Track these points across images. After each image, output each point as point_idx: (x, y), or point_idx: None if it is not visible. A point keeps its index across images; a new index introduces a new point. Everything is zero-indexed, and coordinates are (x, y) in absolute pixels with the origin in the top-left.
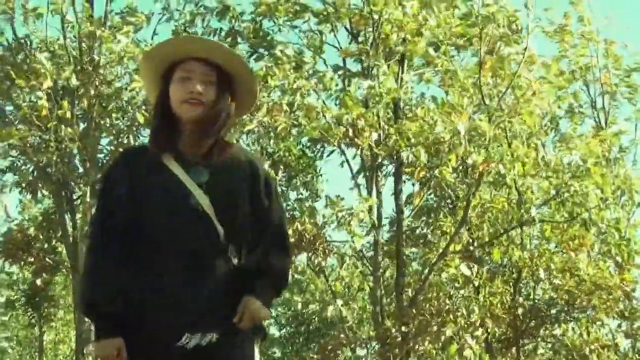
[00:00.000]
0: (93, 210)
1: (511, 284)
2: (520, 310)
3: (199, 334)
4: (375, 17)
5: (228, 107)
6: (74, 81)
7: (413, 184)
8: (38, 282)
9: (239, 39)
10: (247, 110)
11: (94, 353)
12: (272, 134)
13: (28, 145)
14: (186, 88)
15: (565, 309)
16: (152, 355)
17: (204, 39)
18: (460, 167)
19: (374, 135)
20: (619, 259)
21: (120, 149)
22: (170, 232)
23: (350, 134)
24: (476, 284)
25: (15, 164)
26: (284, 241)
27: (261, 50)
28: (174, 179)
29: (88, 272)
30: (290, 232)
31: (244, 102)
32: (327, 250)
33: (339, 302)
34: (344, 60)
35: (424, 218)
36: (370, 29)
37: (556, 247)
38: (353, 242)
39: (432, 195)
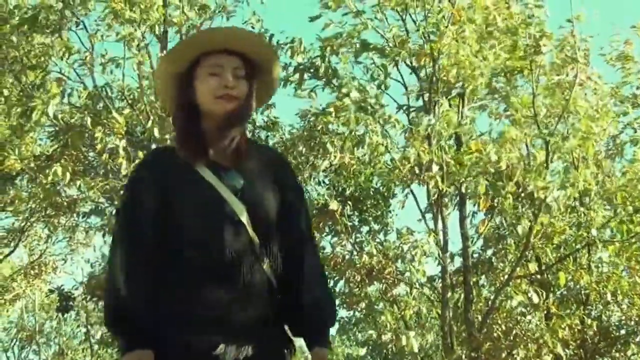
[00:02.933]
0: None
1: (580, 307)
2: (590, 332)
3: (234, 346)
4: (435, 53)
5: (257, 101)
6: (156, 133)
7: (482, 215)
8: None
9: (306, 75)
10: (268, 98)
11: None
12: (342, 173)
13: (109, 189)
14: (219, 83)
15: (636, 330)
16: None
17: (230, 29)
18: (522, 195)
19: (436, 169)
20: None
21: None
22: (204, 242)
23: (417, 171)
24: (543, 310)
25: (98, 208)
26: (313, 247)
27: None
28: (206, 186)
29: (115, 283)
30: (359, 264)
31: (263, 97)
32: (395, 280)
33: (412, 333)
34: (407, 97)
35: (490, 244)
36: (431, 65)
37: (623, 270)
38: (416, 273)
39: (498, 224)
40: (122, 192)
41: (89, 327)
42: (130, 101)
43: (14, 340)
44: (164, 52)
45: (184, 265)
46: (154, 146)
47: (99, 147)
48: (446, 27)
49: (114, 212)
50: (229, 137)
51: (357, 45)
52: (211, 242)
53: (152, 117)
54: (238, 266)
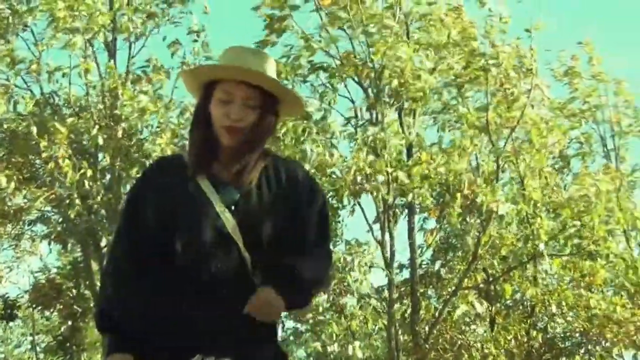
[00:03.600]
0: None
1: (526, 319)
2: (535, 344)
3: (213, 358)
4: (377, 65)
5: (268, 129)
6: (100, 141)
7: (428, 226)
8: (62, 328)
9: None
10: (296, 115)
11: None
12: None
13: (55, 198)
14: (226, 112)
15: (579, 342)
16: None
17: (243, 56)
18: (470, 207)
19: (381, 180)
20: (629, 286)
21: None
22: (192, 254)
23: (359, 180)
24: (488, 320)
25: (44, 216)
26: (322, 251)
27: None
28: (203, 199)
29: (106, 287)
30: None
31: (290, 112)
32: (342, 291)
33: (357, 343)
34: (355, 111)
35: (440, 255)
36: (375, 78)
37: (569, 283)
38: (362, 283)
39: (444, 235)
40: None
41: (34, 336)
42: (76, 109)
43: None
44: (114, 61)
45: (174, 276)
46: (100, 154)
47: (44, 155)
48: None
49: (60, 220)
50: (237, 163)
51: (305, 68)
52: (199, 256)
53: (97, 125)
54: (225, 281)
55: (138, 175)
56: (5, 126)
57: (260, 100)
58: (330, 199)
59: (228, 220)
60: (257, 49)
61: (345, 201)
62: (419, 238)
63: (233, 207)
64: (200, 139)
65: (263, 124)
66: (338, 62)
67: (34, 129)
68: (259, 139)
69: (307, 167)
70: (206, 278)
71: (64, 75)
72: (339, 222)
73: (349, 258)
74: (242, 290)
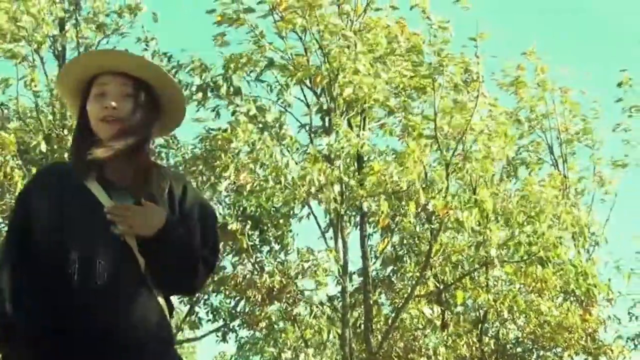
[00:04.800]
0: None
1: (478, 325)
2: (487, 350)
3: None
4: (332, 74)
5: (146, 119)
6: (42, 148)
7: (380, 234)
8: None
9: (209, 93)
10: (176, 126)
11: None
12: (242, 192)
13: (5, 209)
14: (101, 104)
15: (531, 347)
16: None
17: (116, 52)
18: (423, 214)
19: (337, 189)
20: (579, 294)
21: None
22: (87, 262)
23: (313, 190)
24: (438, 324)
25: None
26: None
27: (231, 107)
28: (94, 205)
29: None
30: (259, 284)
31: (170, 116)
32: (296, 300)
33: (310, 350)
34: (310, 117)
35: (391, 265)
36: (328, 86)
37: (519, 288)
38: (317, 291)
39: (397, 242)
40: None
41: None
42: (24, 119)
43: None
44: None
45: (66, 283)
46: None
47: None
48: (342, 47)
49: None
50: (115, 154)
51: (261, 64)
52: (93, 263)
53: (42, 135)
54: (121, 287)
55: (25, 184)
56: None
57: (136, 89)
58: (282, 206)
59: None
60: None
61: (297, 209)
62: (369, 248)
63: None
64: (79, 140)
65: (138, 112)
66: (291, 66)
67: None
68: (136, 127)
69: (260, 172)
70: (101, 284)
71: (8, 86)
72: (290, 231)
73: (301, 266)
74: (139, 295)
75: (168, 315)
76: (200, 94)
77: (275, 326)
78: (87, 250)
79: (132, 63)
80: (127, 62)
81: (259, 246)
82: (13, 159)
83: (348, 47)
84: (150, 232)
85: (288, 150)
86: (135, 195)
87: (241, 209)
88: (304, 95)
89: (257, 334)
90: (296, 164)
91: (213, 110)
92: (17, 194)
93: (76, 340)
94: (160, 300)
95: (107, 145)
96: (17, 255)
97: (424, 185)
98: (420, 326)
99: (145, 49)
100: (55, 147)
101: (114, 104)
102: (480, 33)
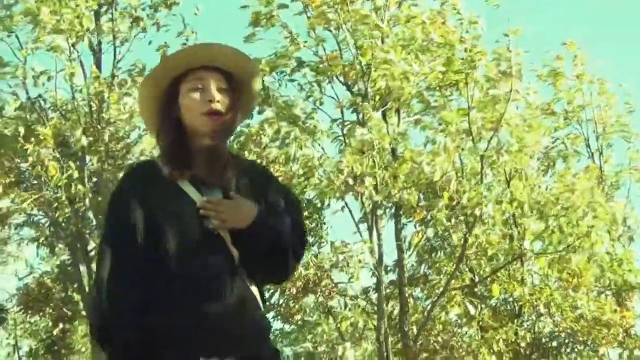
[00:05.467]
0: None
1: (513, 319)
2: (522, 344)
3: (216, 358)
4: (365, 68)
5: (237, 113)
6: (83, 142)
7: (415, 225)
8: (55, 331)
9: None
10: (249, 113)
11: None
12: None
13: (43, 201)
14: (203, 98)
15: (566, 341)
16: None
17: (212, 45)
18: (457, 207)
19: (370, 181)
20: (615, 283)
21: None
22: (184, 257)
23: (350, 182)
24: (480, 322)
25: (31, 219)
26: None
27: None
28: (187, 202)
29: (100, 301)
30: (297, 276)
31: (246, 106)
32: (331, 292)
33: (347, 344)
34: (341, 111)
35: (426, 256)
36: (362, 79)
37: (556, 282)
38: (351, 283)
39: (431, 235)
40: (106, 207)
41: (17, 339)
42: (63, 112)
43: None
44: (99, 64)
45: (167, 280)
46: (87, 157)
47: (30, 159)
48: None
49: (47, 223)
50: (213, 153)
51: (293, 64)
52: (191, 257)
53: (81, 128)
54: (217, 281)
55: (118, 183)
56: None
57: (230, 83)
58: (315, 199)
59: None
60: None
61: (333, 202)
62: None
63: None
64: (171, 140)
65: (235, 107)
66: (325, 63)
67: (22, 130)
68: (234, 122)
69: (294, 167)
70: (199, 279)
71: (49, 79)
72: (324, 223)
73: (336, 258)
74: (235, 288)
75: (262, 305)
76: None
77: (309, 318)
78: (185, 246)
79: (231, 59)
80: (227, 57)
81: None
82: (51, 152)
83: (382, 40)
84: (242, 225)
85: (318, 144)
86: (223, 189)
87: None
88: (335, 93)
89: (291, 327)
90: (328, 157)
91: None
92: (57, 190)
93: (179, 332)
94: (254, 290)
95: (210, 142)
96: (117, 259)
97: (457, 178)
98: (459, 322)
99: (184, 44)
100: (91, 139)
101: (218, 97)
102: (514, 29)
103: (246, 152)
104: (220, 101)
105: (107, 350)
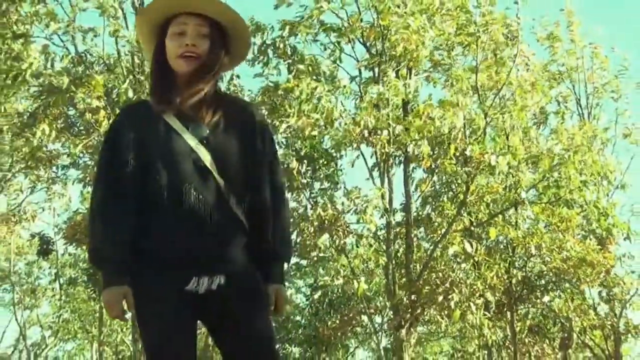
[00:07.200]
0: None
1: (507, 259)
2: (514, 280)
3: (206, 277)
4: (384, 30)
5: (220, 57)
6: (130, 93)
7: (423, 171)
8: None
9: (270, 53)
10: (242, 60)
11: (102, 301)
12: (299, 135)
13: (90, 145)
14: (180, 42)
15: (553, 280)
16: (165, 302)
17: None
18: (460, 157)
19: (385, 133)
20: (600, 231)
21: None
22: (174, 186)
23: (366, 134)
24: (476, 259)
25: (77, 161)
26: (278, 184)
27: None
28: (175, 136)
29: (95, 221)
30: (314, 216)
31: (238, 52)
32: (346, 232)
33: (362, 279)
34: (359, 69)
35: (430, 202)
36: (380, 41)
37: (546, 226)
38: (366, 224)
39: (437, 182)
40: (102, 140)
41: (58, 268)
42: (108, 66)
43: None
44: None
45: (156, 208)
46: None
47: (80, 106)
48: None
49: (92, 164)
50: (195, 91)
51: (316, 26)
52: (180, 186)
53: (127, 80)
54: (205, 206)
55: (112, 121)
56: (42, 79)
57: (211, 30)
58: (331, 149)
59: (203, 153)
60: None
61: (349, 151)
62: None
63: (205, 142)
64: (158, 74)
65: (215, 51)
66: (346, 24)
67: (66, 81)
68: (212, 64)
69: (316, 116)
70: (190, 206)
71: (96, 35)
72: (340, 169)
73: (352, 203)
74: (222, 214)
75: (247, 229)
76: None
77: (324, 254)
78: (175, 177)
79: (209, 6)
80: (205, 4)
81: (311, 183)
82: (99, 100)
83: (398, 6)
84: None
85: (337, 98)
86: (209, 125)
87: (296, 149)
88: (354, 52)
89: (303, 262)
90: (344, 110)
91: (275, 67)
92: (104, 132)
93: (171, 254)
94: (240, 215)
95: (190, 88)
96: (110, 187)
97: (464, 131)
98: (459, 259)
99: None
100: (136, 88)
101: (192, 41)
102: None
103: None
104: (196, 45)
105: (100, 270)
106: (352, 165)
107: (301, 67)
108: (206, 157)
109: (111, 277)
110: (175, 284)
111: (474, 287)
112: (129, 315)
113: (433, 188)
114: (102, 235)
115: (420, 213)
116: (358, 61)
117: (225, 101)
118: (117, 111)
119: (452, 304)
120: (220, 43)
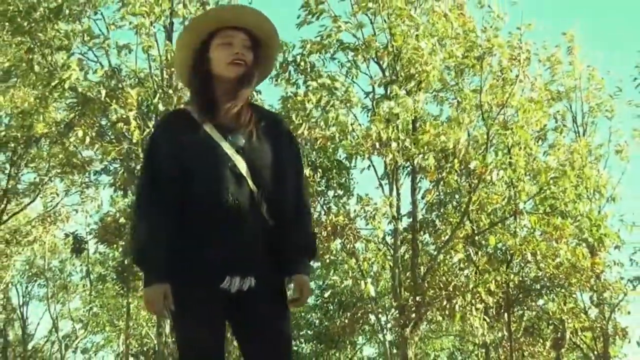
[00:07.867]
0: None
1: (505, 265)
2: (511, 285)
3: (239, 277)
4: (396, 51)
5: (258, 69)
6: (160, 107)
7: (430, 182)
8: (126, 261)
9: (291, 70)
10: (264, 77)
11: (143, 299)
12: (314, 146)
13: (122, 153)
14: (230, 51)
15: (547, 284)
16: (199, 299)
17: (239, 7)
18: (464, 170)
19: (394, 145)
20: (591, 240)
21: None
22: (211, 192)
23: (377, 145)
24: (479, 267)
25: (108, 168)
26: (304, 191)
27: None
28: (214, 144)
29: (138, 223)
30: (327, 222)
31: (264, 69)
32: (356, 237)
33: (369, 280)
34: (372, 86)
35: (435, 210)
36: (392, 61)
37: (541, 235)
38: (375, 229)
39: (442, 192)
40: (144, 149)
41: (89, 266)
42: (139, 80)
43: (23, 276)
44: (171, 40)
45: (195, 211)
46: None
47: (113, 117)
48: (407, 29)
49: (122, 170)
50: (236, 100)
51: (335, 46)
52: (217, 192)
53: (158, 94)
54: (240, 211)
55: (154, 129)
56: (79, 91)
57: (253, 44)
58: (344, 159)
59: (239, 161)
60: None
61: (358, 162)
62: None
63: (241, 151)
64: (200, 86)
65: (257, 61)
66: (362, 44)
67: (104, 93)
68: (254, 75)
69: (333, 129)
70: (226, 210)
71: (130, 51)
72: (351, 179)
73: (362, 210)
74: (255, 220)
75: (273, 234)
76: (286, 74)
77: (335, 258)
78: (212, 183)
79: (253, 20)
80: (248, 19)
81: (325, 191)
82: (132, 112)
83: (415, 28)
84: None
85: (351, 112)
86: (245, 135)
87: (311, 160)
88: (368, 69)
89: (315, 264)
90: (359, 125)
91: (294, 84)
92: (144, 141)
93: (207, 255)
94: (271, 221)
95: (232, 96)
96: (155, 191)
97: (467, 146)
98: (462, 265)
99: None
100: (165, 101)
101: (241, 51)
102: (526, 24)
103: (293, 116)
104: (244, 55)
105: (142, 269)
106: (362, 172)
107: (314, 84)
108: (242, 165)
109: (152, 276)
110: (209, 283)
111: (476, 292)
112: (168, 311)
113: (438, 196)
114: (146, 237)
115: (427, 217)
116: (372, 78)
117: (257, 112)
118: (148, 122)
119: (455, 307)
120: (258, 55)
